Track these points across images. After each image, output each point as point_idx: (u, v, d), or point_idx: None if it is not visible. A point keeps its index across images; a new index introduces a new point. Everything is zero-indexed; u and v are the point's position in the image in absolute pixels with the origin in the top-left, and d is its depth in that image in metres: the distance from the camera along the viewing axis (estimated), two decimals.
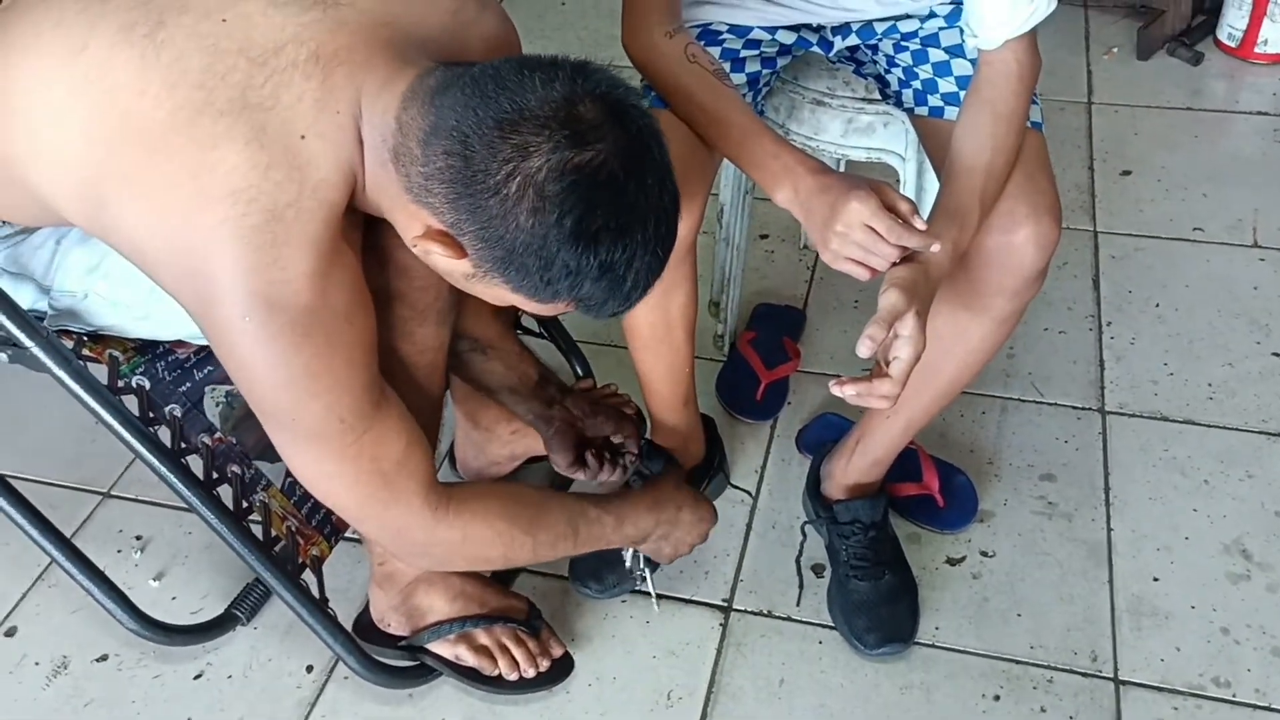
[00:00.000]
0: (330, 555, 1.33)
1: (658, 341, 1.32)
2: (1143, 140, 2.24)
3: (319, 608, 1.25)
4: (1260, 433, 1.61)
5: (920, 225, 1.02)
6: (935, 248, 1.02)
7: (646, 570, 1.39)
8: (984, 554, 1.47)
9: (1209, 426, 1.62)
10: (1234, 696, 1.30)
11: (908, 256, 1.03)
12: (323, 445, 0.96)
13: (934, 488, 1.49)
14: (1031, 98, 1.13)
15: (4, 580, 1.53)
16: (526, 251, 0.83)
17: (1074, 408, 1.67)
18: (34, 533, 1.27)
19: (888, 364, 1.02)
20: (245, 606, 1.43)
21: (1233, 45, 2.46)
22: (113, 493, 1.64)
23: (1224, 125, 2.32)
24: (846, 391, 1.01)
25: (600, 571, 1.44)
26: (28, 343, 1.08)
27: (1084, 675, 1.33)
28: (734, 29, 1.26)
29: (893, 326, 0.99)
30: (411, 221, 0.89)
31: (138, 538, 1.57)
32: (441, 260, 0.89)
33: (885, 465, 1.40)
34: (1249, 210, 2.03)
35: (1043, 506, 1.53)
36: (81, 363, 1.12)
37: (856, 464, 1.40)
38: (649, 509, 1.28)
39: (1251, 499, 1.52)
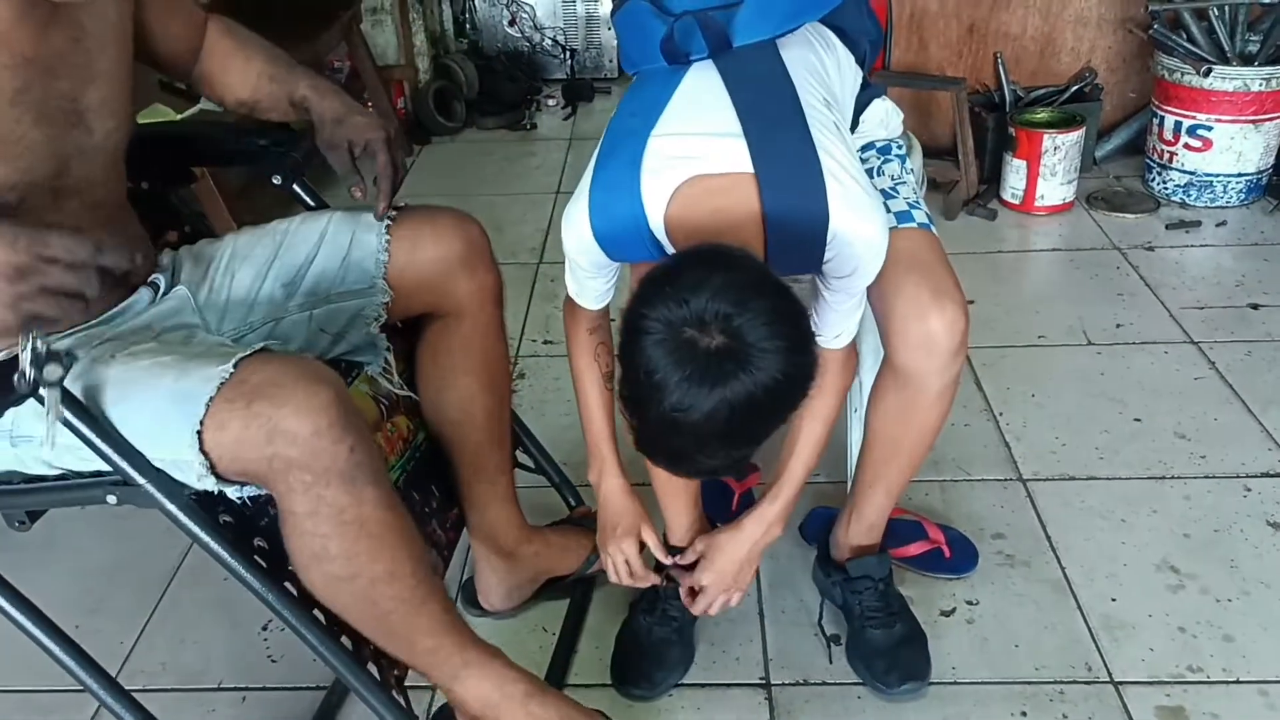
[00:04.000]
0: (408, 674, 1.35)
1: None
2: (972, 278, 2.62)
3: None
4: (1149, 478, 1.92)
5: (649, 581, 1.52)
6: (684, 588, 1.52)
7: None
8: (969, 603, 1.66)
9: (1109, 479, 1.92)
10: (1208, 677, 1.52)
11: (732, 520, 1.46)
12: None
13: (941, 540, 1.71)
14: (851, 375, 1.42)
15: None
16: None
17: (998, 480, 1.93)
18: (103, 694, 1.24)
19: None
20: None
21: (1016, 202, 2.98)
22: None
23: (1028, 261, 2.79)
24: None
25: (648, 671, 1.53)
26: (139, 479, 1.12)
27: (1087, 683, 1.52)
28: None
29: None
30: None
31: None
32: None
33: (879, 529, 1.59)
34: (1075, 318, 2.44)
35: (1003, 559, 1.75)
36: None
37: (855, 530, 1.58)
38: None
39: (1162, 528, 1.80)
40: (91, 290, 0.90)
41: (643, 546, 1.51)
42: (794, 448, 1.40)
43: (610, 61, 4.21)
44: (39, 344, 0.99)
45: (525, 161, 3.61)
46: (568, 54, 4.16)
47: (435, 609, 1.23)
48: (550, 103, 4.05)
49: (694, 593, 1.51)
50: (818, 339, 1.32)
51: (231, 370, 1.08)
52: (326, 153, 1.41)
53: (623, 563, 1.50)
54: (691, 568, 1.51)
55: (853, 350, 1.36)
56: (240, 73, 1.44)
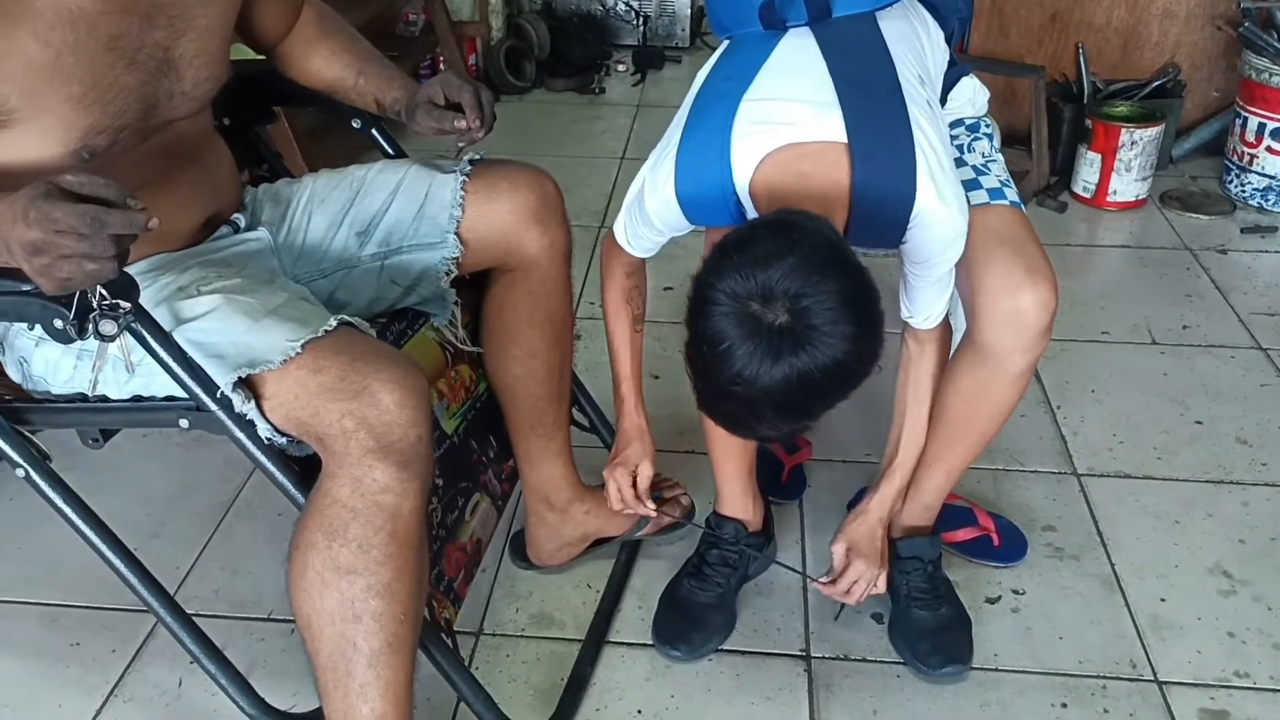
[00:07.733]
0: (456, 619, 1.38)
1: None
2: None
3: (465, 669, 1.30)
4: (1207, 482, 1.89)
5: (646, 508, 1.52)
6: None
7: None
8: (1015, 592, 1.66)
9: (1165, 480, 1.89)
10: (1255, 684, 1.50)
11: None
12: None
13: (991, 528, 1.71)
14: (946, 353, 1.43)
15: (75, 700, 1.48)
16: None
17: (1052, 473, 1.92)
18: (163, 613, 1.28)
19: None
20: None
21: (1088, 196, 2.93)
22: None
23: (1096, 256, 2.74)
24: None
25: (687, 633, 1.54)
26: (211, 405, 1.14)
27: (1130, 680, 1.51)
28: None
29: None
30: None
31: None
32: None
33: (934, 511, 1.58)
34: (1140, 317, 2.40)
35: (1052, 552, 1.73)
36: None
37: (910, 509, 1.57)
38: None
39: (1217, 532, 1.77)
40: (106, 252, 0.92)
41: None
42: (901, 432, 1.44)
43: (682, 30, 4.19)
44: (89, 298, 1.03)
45: (591, 125, 3.61)
46: (640, 20, 4.15)
47: (400, 663, 1.16)
48: (620, 68, 4.05)
49: (833, 583, 1.49)
50: (909, 320, 1.32)
51: (333, 325, 1.14)
52: (416, 120, 1.41)
53: (615, 490, 1.51)
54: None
55: (946, 328, 1.36)
56: (324, 61, 1.48)
